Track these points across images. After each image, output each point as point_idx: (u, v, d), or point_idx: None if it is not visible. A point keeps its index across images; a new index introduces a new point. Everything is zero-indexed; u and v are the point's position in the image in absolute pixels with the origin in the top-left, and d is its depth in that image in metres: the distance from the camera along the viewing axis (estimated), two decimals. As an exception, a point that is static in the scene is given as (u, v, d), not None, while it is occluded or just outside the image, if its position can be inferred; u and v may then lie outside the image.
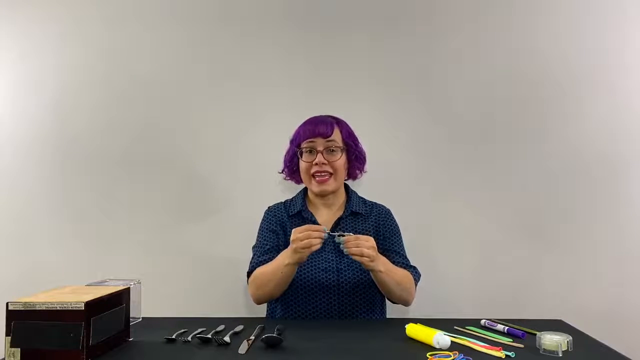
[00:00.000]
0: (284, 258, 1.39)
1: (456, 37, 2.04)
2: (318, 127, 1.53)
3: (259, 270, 1.49)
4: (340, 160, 1.56)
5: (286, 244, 1.41)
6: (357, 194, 1.68)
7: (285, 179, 1.72)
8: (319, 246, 1.32)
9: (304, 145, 1.55)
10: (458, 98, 2.03)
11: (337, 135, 1.56)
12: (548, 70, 2.01)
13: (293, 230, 1.35)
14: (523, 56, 2.02)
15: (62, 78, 2.09)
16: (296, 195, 1.68)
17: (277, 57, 2.06)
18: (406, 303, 1.53)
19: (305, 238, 1.31)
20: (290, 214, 1.61)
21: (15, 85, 2.09)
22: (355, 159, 1.63)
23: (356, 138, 1.63)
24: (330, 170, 1.53)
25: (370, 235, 1.55)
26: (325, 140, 1.53)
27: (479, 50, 2.03)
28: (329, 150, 1.54)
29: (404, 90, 2.04)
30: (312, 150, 1.54)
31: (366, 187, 1.84)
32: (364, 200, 1.67)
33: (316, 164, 1.52)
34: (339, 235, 1.35)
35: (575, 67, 2.00)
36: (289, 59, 2.06)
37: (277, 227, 1.61)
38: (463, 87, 2.03)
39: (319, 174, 1.53)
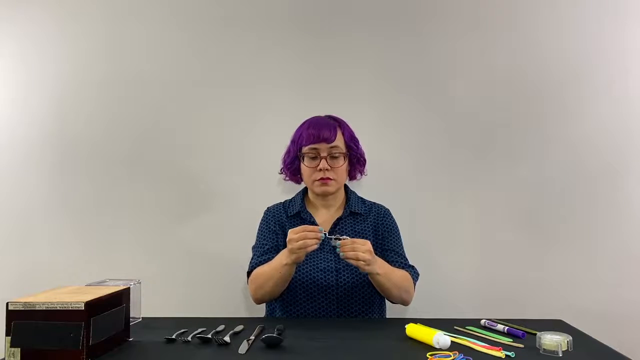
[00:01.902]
0: (282, 258, 1.39)
1: (457, 37, 2.03)
2: (322, 132, 1.52)
3: (258, 270, 1.49)
4: (343, 165, 1.56)
5: (285, 245, 1.41)
6: (356, 194, 1.68)
7: (285, 179, 1.72)
8: (315, 246, 1.32)
9: (306, 150, 1.55)
10: (458, 98, 2.03)
11: (340, 140, 1.56)
12: (548, 70, 2.01)
13: (289, 231, 1.35)
14: (523, 56, 2.02)
15: (62, 78, 2.09)
16: (295, 196, 1.68)
17: (277, 57, 2.06)
18: (405, 303, 1.53)
19: (300, 239, 1.31)
20: (289, 214, 1.61)
21: (15, 85, 2.09)
22: (357, 162, 1.64)
23: (357, 140, 1.63)
24: (333, 176, 1.53)
25: (369, 235, 1.56)
26: (329, 146, 1.53)
27: (479, 50, 2.03)
28: (332, 156, 1.54)
29: (404, 90, 2.04)
30: (315, 156, 1.54)
31: (366, 187, 1.84)
32: (362, 200, 1.67)
33: (320, 169, 1.52)
34: (335, 239, 1.34)
35: (575, 67, 2.00)
36: (289, 59, 2.06)
37: (276, 227, 1.60)
38: (463, 87, 2.03)
39: (322, 179, 1.53)
